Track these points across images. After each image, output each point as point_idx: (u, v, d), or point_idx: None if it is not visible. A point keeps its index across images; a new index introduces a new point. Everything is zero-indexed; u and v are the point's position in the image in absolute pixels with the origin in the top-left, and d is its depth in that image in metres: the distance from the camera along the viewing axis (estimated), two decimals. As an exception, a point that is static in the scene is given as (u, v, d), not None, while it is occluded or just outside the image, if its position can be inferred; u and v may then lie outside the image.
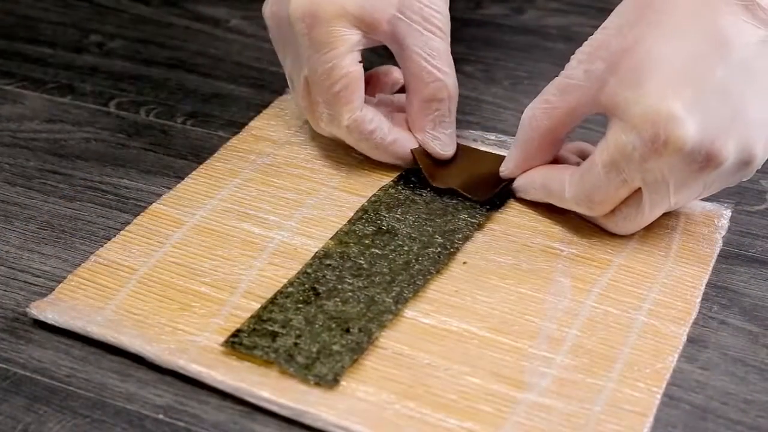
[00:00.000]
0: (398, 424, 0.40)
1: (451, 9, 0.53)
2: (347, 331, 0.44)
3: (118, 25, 0.70)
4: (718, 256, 0.50)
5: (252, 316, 0.45)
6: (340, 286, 0.47)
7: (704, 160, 0.45)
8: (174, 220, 0.51)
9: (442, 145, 0.54)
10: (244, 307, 0.46)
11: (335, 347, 0.43)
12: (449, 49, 0.52)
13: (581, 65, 0.48)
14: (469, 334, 0.45)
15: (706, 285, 0.48)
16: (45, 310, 0.45)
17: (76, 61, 0.65)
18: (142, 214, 0.51)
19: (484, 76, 0.65)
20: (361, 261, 0.48)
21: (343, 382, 0.42)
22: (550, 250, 0.50)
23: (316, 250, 0.49)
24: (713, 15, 0.46)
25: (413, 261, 0.48)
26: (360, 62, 0.52)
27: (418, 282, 0.47)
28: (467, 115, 0.61)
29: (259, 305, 0.46)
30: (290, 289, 0.46)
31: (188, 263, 0.48)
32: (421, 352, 0.44)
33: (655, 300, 0.47)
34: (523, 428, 0.41)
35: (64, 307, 0.45)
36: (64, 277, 0.47)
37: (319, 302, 0.46)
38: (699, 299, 0.47)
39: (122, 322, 0.45)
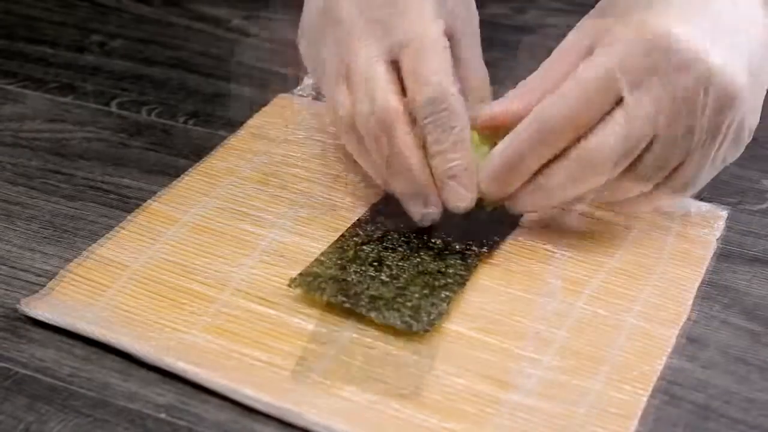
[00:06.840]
0: (381, 424, 0.40)
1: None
2: (435, 281, 0.45)
3: (120, 25, 0.70)
4: (720, 255, 0.50)
5: (317, 261, 0.46)
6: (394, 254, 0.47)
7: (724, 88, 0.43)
8: (168, 217, 0.51)
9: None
10: (233, 305, 0.46)
11: (426, 292, 0.44)
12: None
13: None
14: (457, 335, 0.45)
15: (708, 284, 0.48)
16: (35, 307, 0.45)
17: (77, 61, 0.66)
18: (136, 211, 0.51)
19: (485, 76, 0.65)
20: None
21: (327, 381, 0.42)
22: (543, 251, 0.49)
23: (307, 248, 0.49)
24: None
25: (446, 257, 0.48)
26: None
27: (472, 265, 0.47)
28: (466, 115, 0.61)
29: (248, 302, 0.46)
30: (353, 242, 0.47)
31: (180, 260, 0.48)
32: (407, 352, 0.44)
33: (646, 302, 0.47)
34: (505, 429, 0.40)
35: (55, 303, 0.45)
36: (67, 277, 0.48)
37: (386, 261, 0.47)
38: (691, 302, 0.47)
39: (112, 318, 0.45)
